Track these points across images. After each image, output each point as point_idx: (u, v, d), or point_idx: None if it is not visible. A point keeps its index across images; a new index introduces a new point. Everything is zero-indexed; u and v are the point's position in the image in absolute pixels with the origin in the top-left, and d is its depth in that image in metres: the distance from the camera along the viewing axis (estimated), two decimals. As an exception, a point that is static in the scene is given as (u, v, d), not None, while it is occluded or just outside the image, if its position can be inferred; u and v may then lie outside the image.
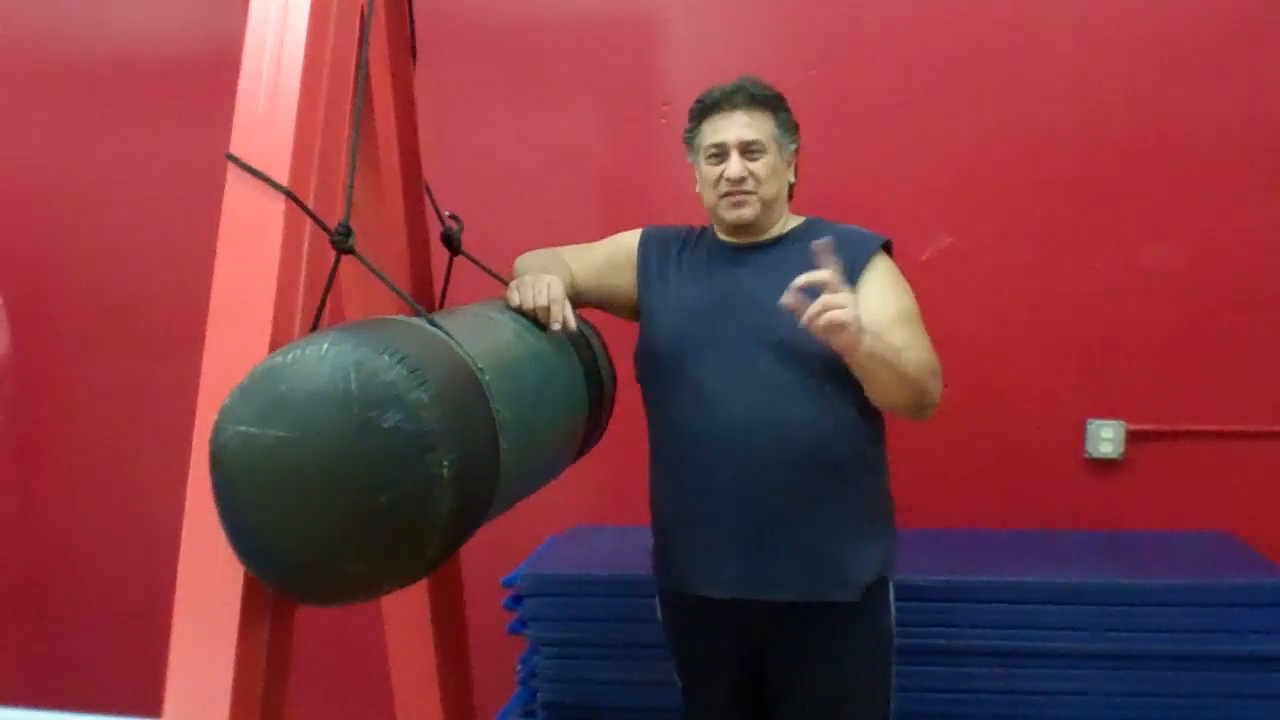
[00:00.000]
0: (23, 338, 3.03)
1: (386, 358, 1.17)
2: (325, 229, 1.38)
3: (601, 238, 1.99)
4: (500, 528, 1.55)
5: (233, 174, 1.35)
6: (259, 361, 1.20)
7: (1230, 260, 2.50)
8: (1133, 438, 2.55)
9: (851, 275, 1.71)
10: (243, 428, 1.16)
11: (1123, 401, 2.55)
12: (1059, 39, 2.53)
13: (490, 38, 2.77)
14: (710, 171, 1.80)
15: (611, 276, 1.91)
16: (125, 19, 2.98)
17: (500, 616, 2.40)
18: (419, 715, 1.86)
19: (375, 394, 1.14)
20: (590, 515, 2.75)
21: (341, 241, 1.39)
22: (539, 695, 2.33)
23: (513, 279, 1.75)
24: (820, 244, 1.54)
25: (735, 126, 1.77)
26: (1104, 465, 2.57)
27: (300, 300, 1.34)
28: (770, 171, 1.78)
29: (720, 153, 1.78)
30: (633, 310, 1.91)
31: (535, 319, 1.66)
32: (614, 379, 1.91)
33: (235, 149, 1.36)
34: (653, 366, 1.84)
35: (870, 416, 1.77)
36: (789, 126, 1.82)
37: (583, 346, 1.78)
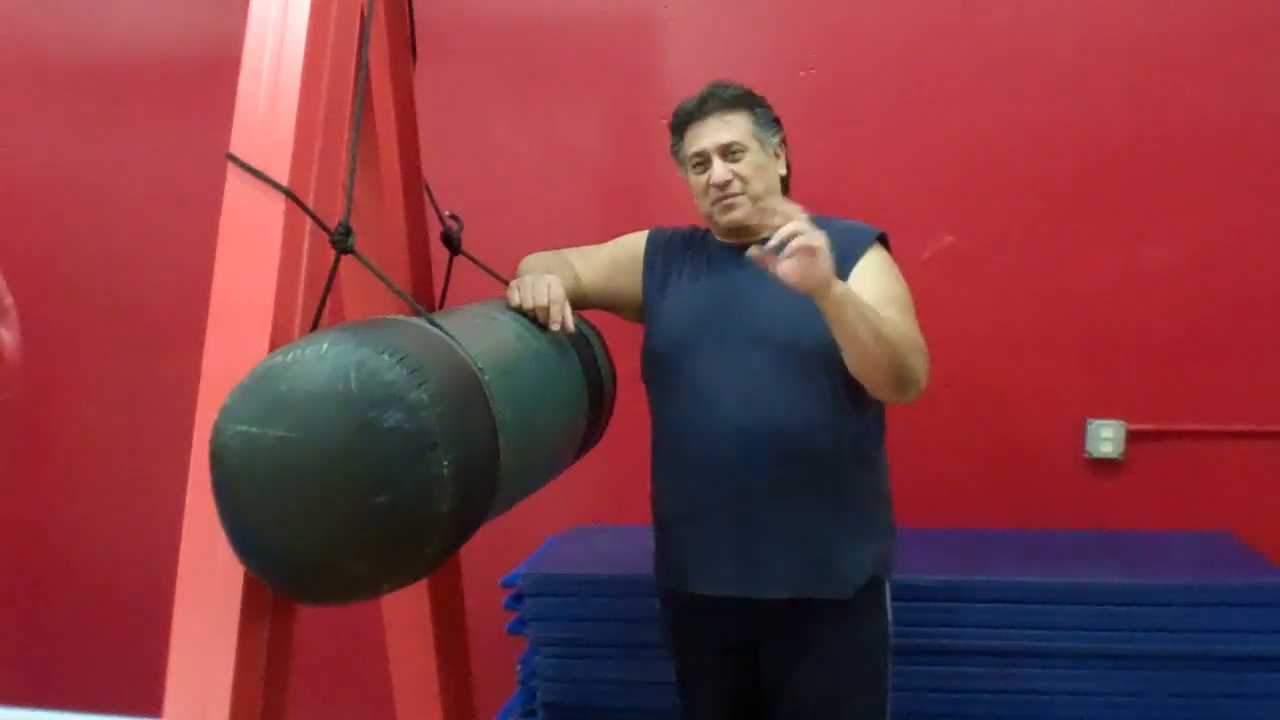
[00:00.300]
0: (23, 337, 3.03)
1: (386, 358, 1.17)
2: (325, 229, 1.38)
3: (601, 238, 1.99)
4: (500, 528, 1.55)
5: (233, 174, 1.35)
6: (259, 361, 1.20)
7: (1230, 260, 2.50)
8: (1133, 438, 2.55)
9: (845, 268, 1.72)
10: (243, 427, 1.16)
11: (1123, 401, 2.55)
12: (1059, 39, 2.53)
13: (490, 38, 2.77)
14: (698, 180, 1.81)
15: (617, 278, 1.91)
16: (125, 19, 2.98)
17: (500, 616, 2.40)
18: (419, 715, 1.86)
19: (375, 394, 1.15)
20: (590, 515, 2.75)
21: (341, 241, 1.39)
22: (539, 695, 2.34)
23: (515, 280, 1.75)
24: (756, 251, 1.53)
25: (711, 132, 1.78)
26: (1104, 465, 2.57)
27: (300, 300, 1.34)
28: (755, 169, 1.78)
29: (703, 160, 1.79)
30: (638, 312, 1.92)
31: (535, 319, 1.66)
32: (614, 379, 1.91)
33: (235, 149, 1.36)
34: (655, 367, 1.85)
35: (869, 416, 1.78)
36: (768, 121, 1.82)
37: (583, 346, 1.78)
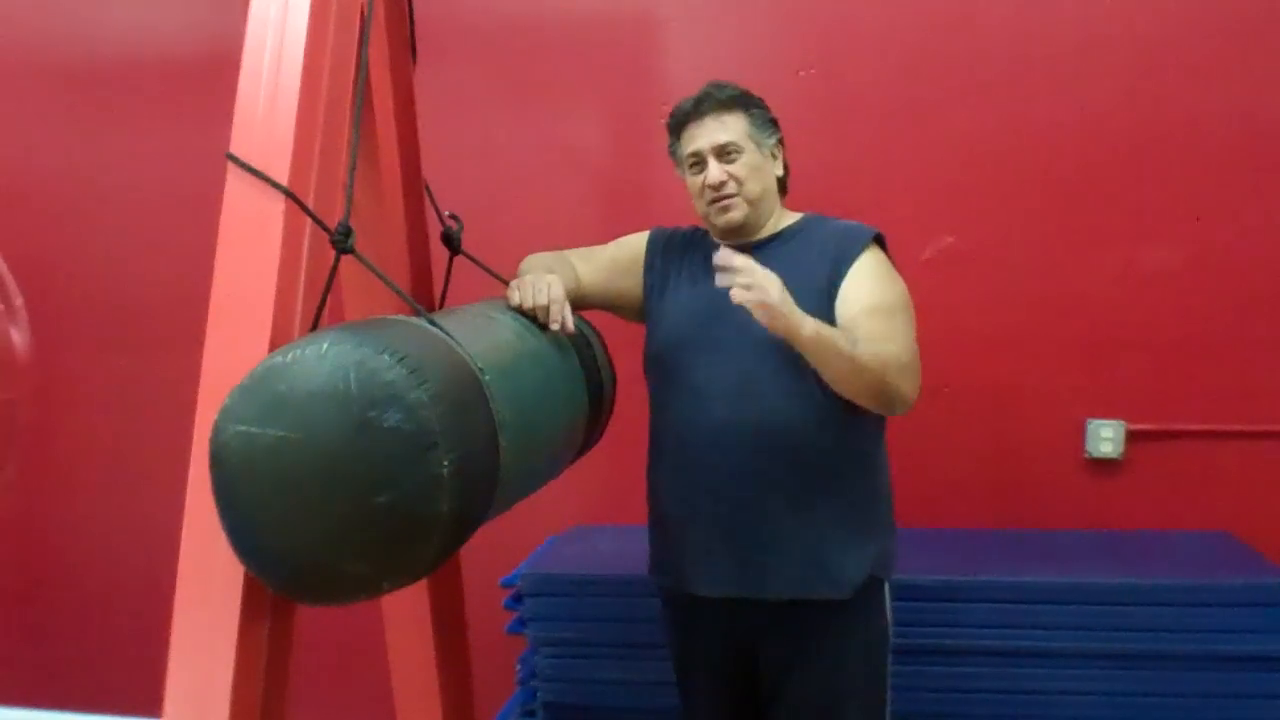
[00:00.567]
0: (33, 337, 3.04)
1: (386, 357, 1.17)
2: (325, 229, 1.38)
3: (601, 238, 1.99)
4: (500, 528, 1.55)
5: (233, 174, 1.35)
6: (259, 361, 1.20)
7: (1230, 260, 2.50)
8: (1133, 438, 2.55)
9: (841, 268, 1.73)
10: (243, 427, 1.16)
11: (1123, 401, 2.55)
12: (1059, 39, 2.53)
13: (490, 38, 2.77)
14: (694, 181, 1.82)
15: (618, 279, 1.91)
16: (125, 19, 2.98)
17: (500, 616, 2.40)
18: (419, 715, 1.86)
19: (375, 394, 1.15)
20: (590, 515, 2.75)
21: (341, 241, 1.40)
22: (539, 695, 2.34)
23: (515, 280, 1.75)
24: (721, 256, 1.56)
25: (707, 133, 1.78)
26: (1104, 465, 2.57)
27: (300, 300, 1.34)
28: (750, 170, 1.78)
29: (699, 161, 1.80)
30: (639, 313, 1.92)
31: (535, 319, 1.66)
32: (614, 379, 1.91)
33: (235, 149, 1.36)
34: (654, 368, 1.86)
35: (867, 416, 1.77)
36: (764, 121, 1.82)
37: (583, 346, 1.78)
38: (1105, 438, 2.54)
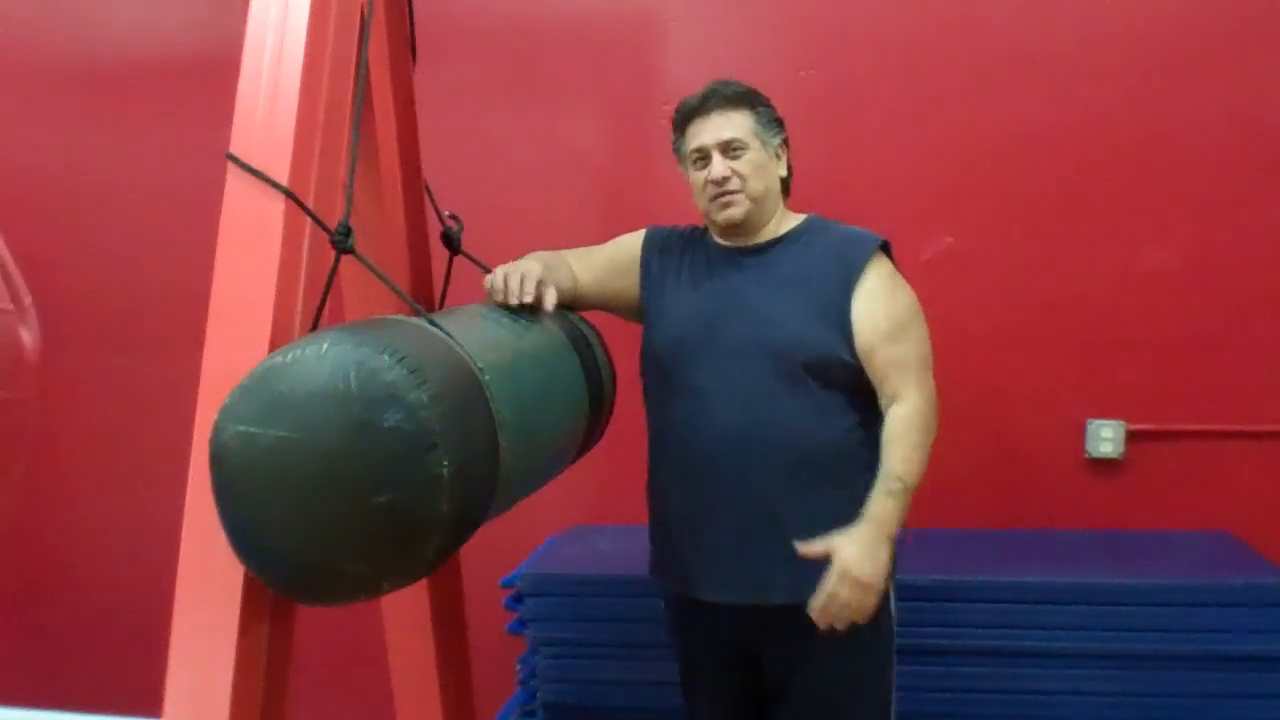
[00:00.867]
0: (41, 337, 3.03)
1: (386, 358, 1.17)
2: (325, 229, 1.38)
3: (601, 238, 1.99)
4: (500, 528, 1.55)
5: (233, 174, 1.35)
6: (259, 361, 1.20)
7: (1230, 260, 2.50)
8: (1133, 438, 2.55)
9: (848, 279, 1.73)
10: (243, 427, 1.16)
11: (1123, 401, 2.55)
12: (1059, 39, 2.53)
13: (490, 38, 2.77)
14: (697, 177, 1.80)
15: (615, 279, 1.91)
16: (125, 19, 2.98)
17: (500, 616, 2.40)
18: (419, 715, 1.86)
19: (375, 394, 1.15)
20: (590, 515, 2.75)
21: (341, 241, 1.39)
22: (539, 695, 2.34)
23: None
24: (804, 548, 1.63)
25: (713, 128, 1.77)
26: (1104, 465, 2.57)
27: (300, 300, 1.34)
28: (754, 167, 1.77)
29: (703, 156, 1.78)
30: (636, 312, 1.91)
31: (516, 309, 1.66)
32: (614, 379, 1.91)
33: (235, 149, 1.36)
34: (652, 370, 1.85)
35: (868, 420, 1.77)
36: (770, 121, 1.81)
37: (582, 346, 1.78)
38: (1105, 438, 2.54)
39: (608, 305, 1.93)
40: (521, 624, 2.36)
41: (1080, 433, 2.57)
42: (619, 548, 2.42)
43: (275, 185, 1.33)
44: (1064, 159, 2.54)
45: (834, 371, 1.71)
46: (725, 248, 1.85)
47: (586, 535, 2.67)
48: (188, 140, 2.47)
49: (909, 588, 1.93)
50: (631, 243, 1.94)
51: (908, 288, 1.79)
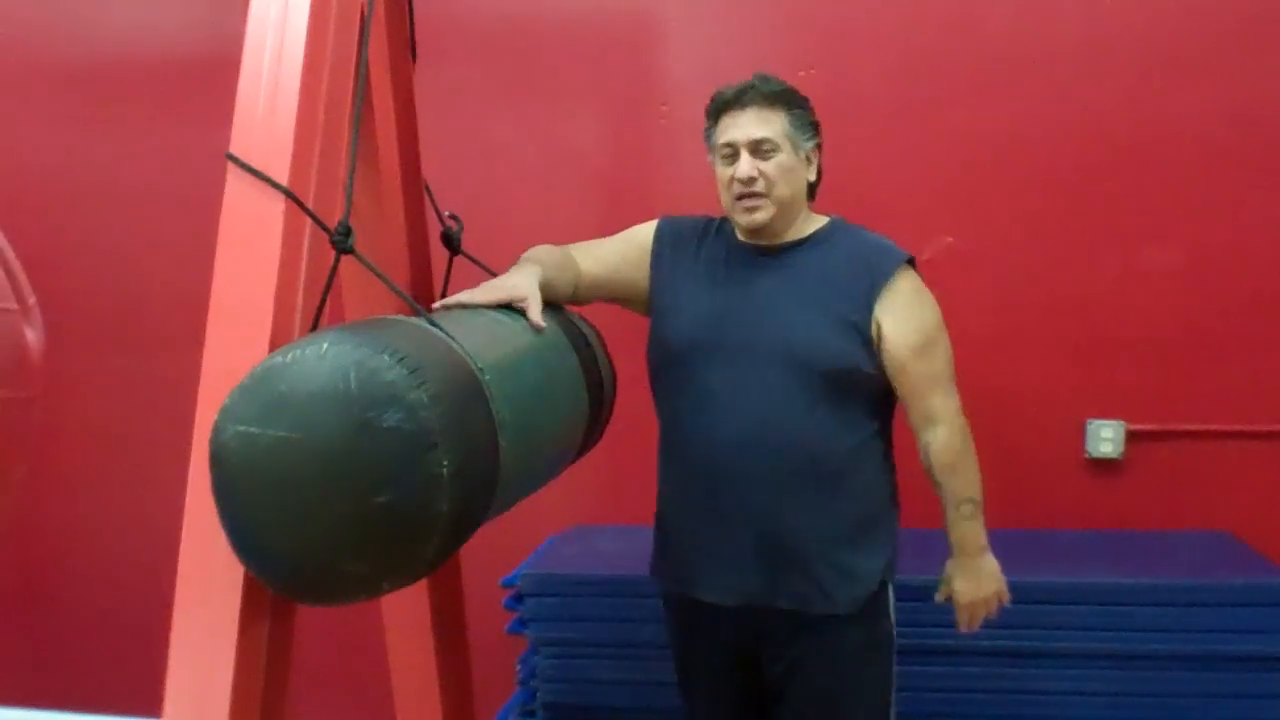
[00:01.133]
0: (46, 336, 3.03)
1: (386, 358, 1.17)
2: (325, 229, 1.38)
3: (601, 236, 1.98)
4: (500, 528, 1.55)
5: (233, 174, 1.35)
6: (259, 361, 1.20)
7: (1230, 260, 2.50)
8: (1133, 438, 2.55)
9: (872, 288, 1.71)
10: (243, 427, 1.16)
11: (1123, 401, 2.55)
12: (1059, 39, 2.53)
13: (490, 38, 2.77)
14: (723, 172, 1.76)
15: (626, 272, 1.86)
16: (125, 19, 2.98)
17: (500, 616, 2.40)
18: (419, 715, 1.86)
19: (375, 394, 1.15)
20: (590, 515, 2.75)
21: (341, 241, 1.39)
22: (539, 695, 2.34)
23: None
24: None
25: (745, 125, 1.73)
26: (1104, 465, 2.57)
27: (300, 300, 1.34)
28: (782, 171, 1.73)
29: (732, 152, 1.74)
30: (646, 305, 1.88)
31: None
32: (614, 379, 1.90)
33: (235, 149, 1.36)
34: (663, 366, 1.83)
35: (880, 429, 1.77)
36: (804, 123, 1.77)
37: (582, 346, 1.78)
38: (1105, 438, 2.54)
39: (617, 297, 1.89)
40: (521, 624, 2.36)
41: (1080, 433, 2.57)
42: (619, 548, 2.42)
43: (275, 185, 1.33)
44: (1064, 159, 2.54)
45: (853, 381, 1.70)
46: (745, 246, 1.81)
47: (586, 535, 2.67)
48: (188, 140, 2.47)
49: (909, 588, 1.93)
50: (642, 234, 1.89)
51: (934, 302, 1.78)
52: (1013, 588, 2.18)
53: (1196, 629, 2.12)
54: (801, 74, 2.60)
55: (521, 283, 1.64)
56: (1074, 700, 2.16)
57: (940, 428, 1.74)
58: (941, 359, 1.75)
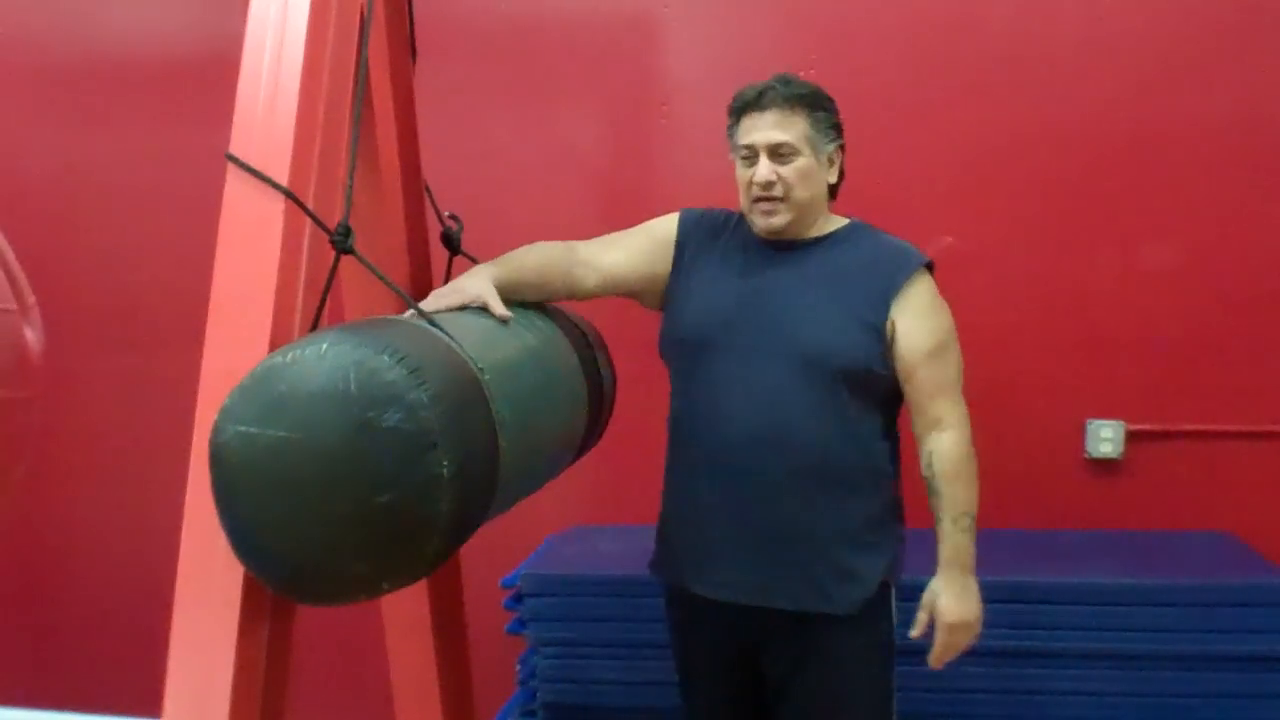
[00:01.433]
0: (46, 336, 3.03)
1: (386, 358, 1.17)
2: (325, 229, 1.38)
3: (600, 236, 1.97)
4: (500, 528, 1.55)
5: (233, 174, 1.35)
6: (259, 361, 1.20)
7: (1230, 260, 2.50)
8: (1133, 438, 2.55)
9: (888, 290, 1.71)
10: (243, 428, 1.16)
11: (1123, 401, 2.55)
12: (1060, 39, 2.53)
13: (490, 37, 2.77)
14: (743, 174, 1.75)
15: (649, 264, 1.83)
16: (124, 19, 2.98)
17: (500, 616, 2.40)
18: (419, 715, 1.86)
19: (375, 394, 1.15)
20: (590, 515, 2.75)
21: (341, 241, 1.39)
22: (538, 695, 2.33)
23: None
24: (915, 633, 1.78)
25: (765, 128, 1.71)
26: (1104, 465, 2.57)
27: (300, 300, 1.34)
28: (802, 175, 1.72)
29: (751, 155, 1.73)
30: (661, 297, 1.86)
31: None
32: (614, 379, 1.90)
33: (235, 149, 1.36)
34: (674, 355, 1.82)
35: (887, 431, 1.77)
36: (827, 127, 1.75)
37: (583, 346, 1.78)
38: (1105, 438, 2.54)
39: (635, 291, 1.86)
40: (521, 624, 2.36)
41: (1080, 433, 2.57)
42: (619, 548, 2.42)
43: (275, 185, 1.33)
44: (1064, 159, 2.54)
45: (865, 381, 1.70)
46: (762, 242, 1.79)
47: (586, 535, 2.67)
48: (188, 140, 2.47)
49: (909, 588, 1.93)
50: (665, 225, 1.87)
51: (948, 309, 1.77)
52: (1013, 588, 2.20)
53: (1196, 629, 2.12)
54: (801, 74, 2.60)
55: (471, 285, 1.61)
56: (1074, 700, 2.16)
57: (947, 434, 1.74)
58: (953, 366, 1.75)
